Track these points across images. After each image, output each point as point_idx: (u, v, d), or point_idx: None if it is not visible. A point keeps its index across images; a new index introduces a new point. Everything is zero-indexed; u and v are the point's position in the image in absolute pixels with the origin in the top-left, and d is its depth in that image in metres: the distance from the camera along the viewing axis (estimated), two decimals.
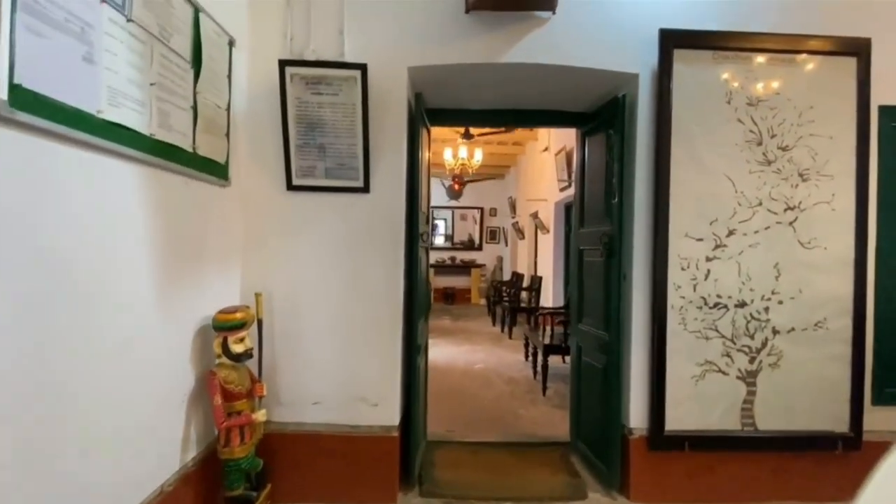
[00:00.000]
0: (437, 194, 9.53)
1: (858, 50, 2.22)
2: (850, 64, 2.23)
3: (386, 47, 2.18)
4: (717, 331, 2.22)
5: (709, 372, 2.22)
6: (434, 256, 10.30)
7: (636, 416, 2.24)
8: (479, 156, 6.63)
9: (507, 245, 10.17)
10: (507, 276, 9.51)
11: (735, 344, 2.22)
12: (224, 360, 1.79)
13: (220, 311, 1.81)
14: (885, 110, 2.27)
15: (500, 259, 10.50)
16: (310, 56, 2.12)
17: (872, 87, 2.22)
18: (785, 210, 2.23)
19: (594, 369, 2.52)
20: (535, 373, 4.38)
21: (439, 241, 10.71)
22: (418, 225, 2.27)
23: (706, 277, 2.21)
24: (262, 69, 2.14)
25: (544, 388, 3.91)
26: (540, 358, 3.98)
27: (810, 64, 2.22)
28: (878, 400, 2.29)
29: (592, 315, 2.59)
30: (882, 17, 2.28)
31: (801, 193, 2.23)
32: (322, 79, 2.09)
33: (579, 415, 2.72)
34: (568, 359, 3.76)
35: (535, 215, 7.32)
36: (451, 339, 6.20)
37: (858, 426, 2.22)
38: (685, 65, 2.18)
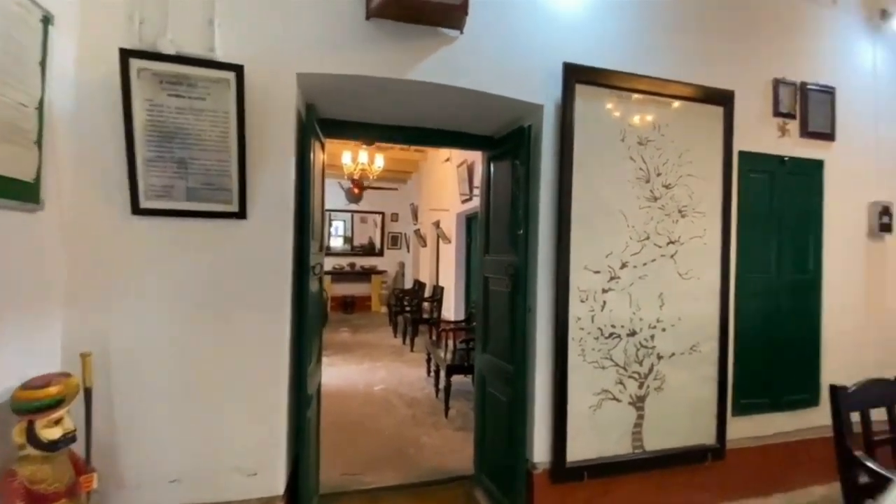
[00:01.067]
0: (336, 197, 9.03)
1: (724, 100, 2.47)
2: (718, 112, 2.47)
3: (270, 48, 1.84)
4: (611, 360, 2.30)
5: (605, 400, 2.28)
6: (332, 262, 9.73)
7: (540, 449, 2.22)
8: (380, 162, 6.37)
9: (409, 251, 10.03)
10: (409, 284, 9.37)
11: (627, 371, 2.32)
12: (30, 451, 1.32)
13: (23, 387, 1.32)
14: (743, 155, 2.57)
15: (403, 265, 10.33)
16: (166, 48, 1.69)
17: (735, 134, 2.49)
18: (667, 244, 2.39)
19: (499, 402, 2.46)
20: (437, 390, 4.28)
21: (337, 243, 10.15)
22: (309, 256, 1.97)
23: (602, 308, 2.28)
24: (97, 57, 1.65)
25: (447, 410, 3.81)
26: (443, 378, 3.88)
27: (688, 110, 2.41)
28: (737, 411, 2.58)
29: (498, 345, 2.53)
30: (740, 75, 2.58)
31: (680, 228, 2.41)
32: (183, 78, 1.68)
33: (483, 446, 2.65)
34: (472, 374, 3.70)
35: (436, 224, 7.28)
36: (351, 356, 5.84)
37: (722, 438, 2.48)
38: (586, 100, 2.21)
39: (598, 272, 2.26)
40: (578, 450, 2.22)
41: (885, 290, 2.94)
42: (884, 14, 2.83)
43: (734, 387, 2.56)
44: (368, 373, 5.12)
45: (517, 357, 2.27)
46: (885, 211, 2.85)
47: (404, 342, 6.60)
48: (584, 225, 2.23)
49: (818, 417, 2.75)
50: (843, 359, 2.79)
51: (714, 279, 2.47)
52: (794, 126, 2.69)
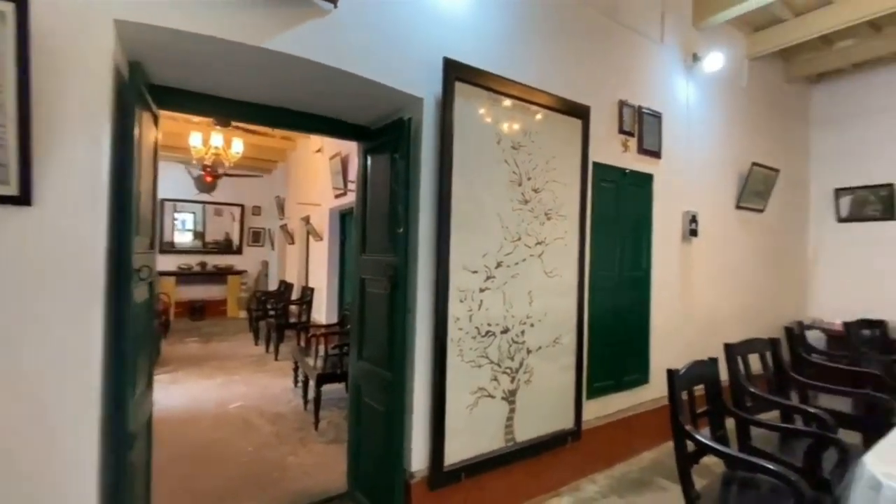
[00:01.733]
0: (183, 185, 7.75)
1: (583, 114, 2.71)
2: (578, 125, 2.71)
3: None
4: (487, 357, 2.33)
5: (481, 398, 2.31)
6: (176, 262, 8.34)
7: (418, 457, 2.14)
8: (238, 146, 5.61)
9: (273, 249, 9.14)
10: (273, 285, 8.54)
11: (500, 367, 2.39)
12: None
13: None
14: (597, 165, 2.86)
15: (266, 265, 9.37)
16: None
17: (590, 146, 2.75)
18: (536, 244, 2.53)
19: (375, 412, 2.31)
20: (305, 402, 3.93)
21: (185, 239, 8.73)
22: (131, 256, 1.54)
23: (480, 307, 2.29)
24: None
25: (316, 422, 3.51)
26: (312, 388, 3.56)
27: (554, 119, 2.58)
28: (591, 394, 2.88)
29: (375, 351, 2.37)
30: (595, 93, 2.86)
31: (546, 230, 2.57)
32: None
33: (358, 460, 2.47)
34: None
35: (306, 220, 6.75)
36: (200, 371, 5.03)
37: (579, 420, 2.73)
38: (466, 99, 2.19)
39: (475, 272, 2.27)
40: (456, 452, 2.20)
41: (693, 284, 3.61)
42: (695, 57, 3.45)
43: (588, 373, 2.85)
44: (222, 389, 4.46)
45: (396, 362, 2.14)
46: (693, 219, 3.49)
47: (267, 350, 5.96)
48: (464, 225, 2.21)
49: (648, 393, 3.23)
50: (665, 343, 3.33)
51: (573, 277, 2.71)
52: (633, 143, 3.10)
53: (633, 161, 3.11)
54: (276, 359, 5.61)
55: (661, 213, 3.29)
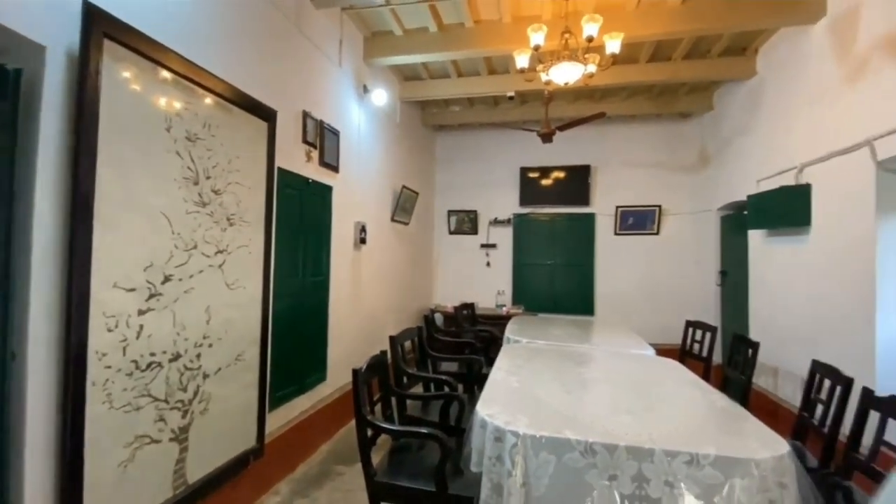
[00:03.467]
0: None
1: (269, 117, 2.61)
2: (264, 127, 2.58)
3: None
4: (150, 395, 1.88)
5: (140, 448, 1.83)
6: None
7: None
8: None
9: None
10: None
11: (169, 403, 1.97)
12: None
13: None
14: (281, 171, 2.81)
15: None
16: None
17: (276, 151, 2.69)
18: (216, 253, 2.24)
19: None
20: None
21: None
22: None
23: (139, 335, 1.82)
24: None
25: None
26: None
27: (238, 116, 2.36)
28: (275, 404, 2.80)
29: None
30: (283, 99, 2.81)
31: (228, 237, 2.32)
32: None
33: None
34: None
35: None
36: None
37: (262, 437, 2.61)
38: (120, 67, 1.68)
39: (133, 290, 1.78)
40: None
41: (362, 285, 4.13)
42: (365, 88, 3.95)
43: (271, 384, 2.76)
44: None
45: None
46: (363, 228, 4.00)
47: None
48: (114, 228, 1.69)
49: (326, 389, 3.46)
50: (340, 340, 3.66)
51: (257, 287, 2.56)
52: (316, 154, 3.24)
53: (315, 172, 3.24)
54: None
55: (338, 222, 3.59)
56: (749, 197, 4.05)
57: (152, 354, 1.88)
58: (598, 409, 1.94)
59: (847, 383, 1.99)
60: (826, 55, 3.22)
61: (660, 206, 5.88)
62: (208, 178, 2.17)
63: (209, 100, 2.15)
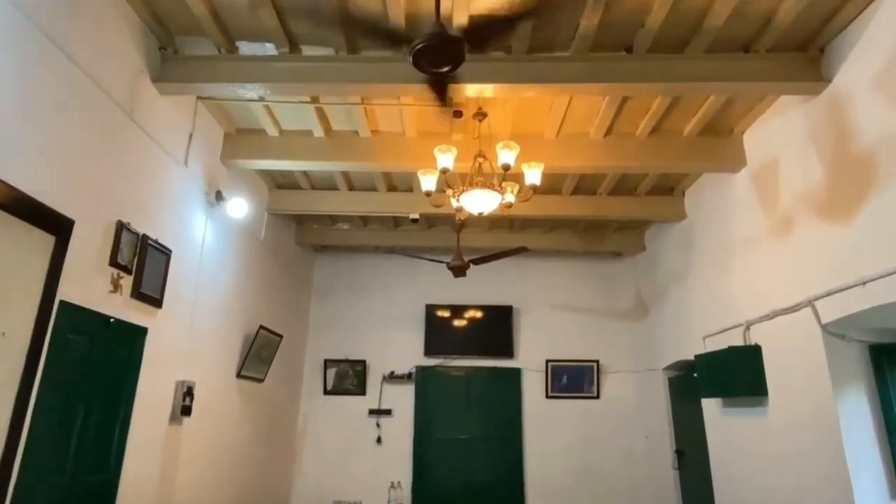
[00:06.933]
0: None
1: (60, 229, 2.38)
2: (49, 243, 2.33)
3: None
4: None
5: None
6: None
7: None
8: None
9: None
10: None
11: None
12: None
13: None
14: (67, 308, 2.46)
15: None
16: None
17: (62, 278, 2.39)
18: None
19: None
20: None
21: None
22: None
23: None
24: None
25: None
26: None
27: (9, 228, 2.10)
28: None
29: None
30: (84, 204, 2.61)
31: None
32: None
33: None
34: None
35: None
36: None
37: None
38: None
39: None
40: None
41: (178, 486, 3.52)
42: (219, 195, 3.90)
43: None
44: None
45: None
46: (189, 391, 3.56)
47: None
48: None
49: None
50: None
51: None
52: (128, 282, 2.95)
53: (122, 308, 2.92)
54: None
55: (149, 382, 3.16)
56: (697, 357, 4.46)
57: None
58: None
59: None
60: (753, 204, 3.96)
61: (598, 362, 6.23)
62: None
63: None
